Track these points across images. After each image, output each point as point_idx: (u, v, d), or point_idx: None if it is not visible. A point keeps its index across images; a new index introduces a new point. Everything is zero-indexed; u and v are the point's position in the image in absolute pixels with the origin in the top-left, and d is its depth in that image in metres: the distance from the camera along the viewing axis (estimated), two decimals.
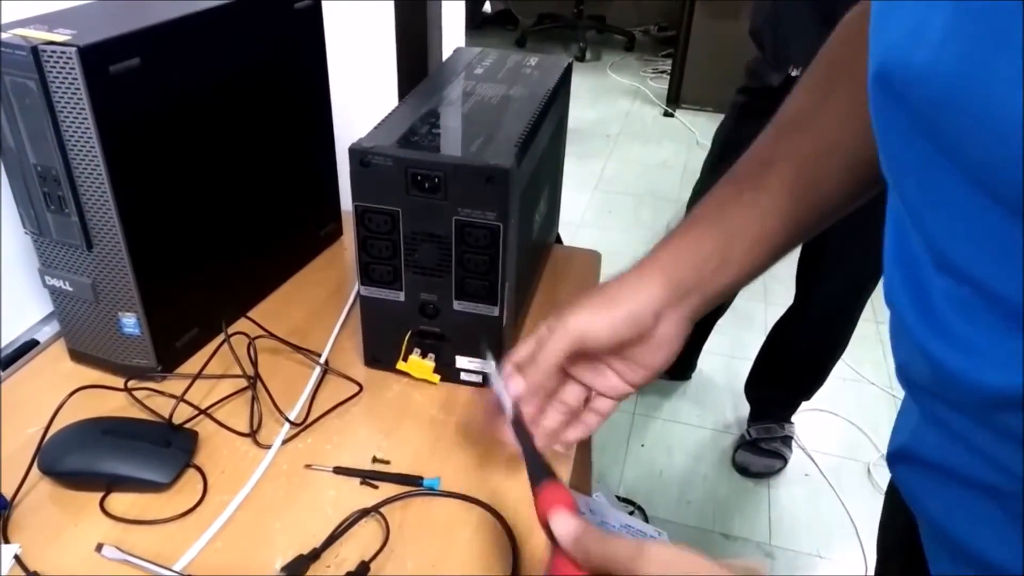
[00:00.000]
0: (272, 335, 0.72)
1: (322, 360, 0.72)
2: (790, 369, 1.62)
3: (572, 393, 0.55)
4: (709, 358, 1.87)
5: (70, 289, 0.66)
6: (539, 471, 0.43)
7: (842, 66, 0.54)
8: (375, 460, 0.62)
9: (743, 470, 1.63)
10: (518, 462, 0.62)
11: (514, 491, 0.60)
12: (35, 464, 0.58)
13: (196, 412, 0.64)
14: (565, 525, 0.40)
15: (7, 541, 0.54)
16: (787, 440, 1.66)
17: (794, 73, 1.29)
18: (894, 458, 0.51)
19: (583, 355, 0.53)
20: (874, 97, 0.37)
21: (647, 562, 0.36)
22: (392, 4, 0.99)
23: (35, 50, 0.54)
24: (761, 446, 1.64)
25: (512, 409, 0.48)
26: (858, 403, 1.82)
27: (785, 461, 1.64)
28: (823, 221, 0.55)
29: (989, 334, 0.32)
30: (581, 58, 3.91)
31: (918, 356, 0.39)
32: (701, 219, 0.55)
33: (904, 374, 0.43)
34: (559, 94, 0.77)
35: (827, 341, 1.53)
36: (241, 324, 0.74)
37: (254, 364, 0.69)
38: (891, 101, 0.35)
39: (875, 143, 0.47)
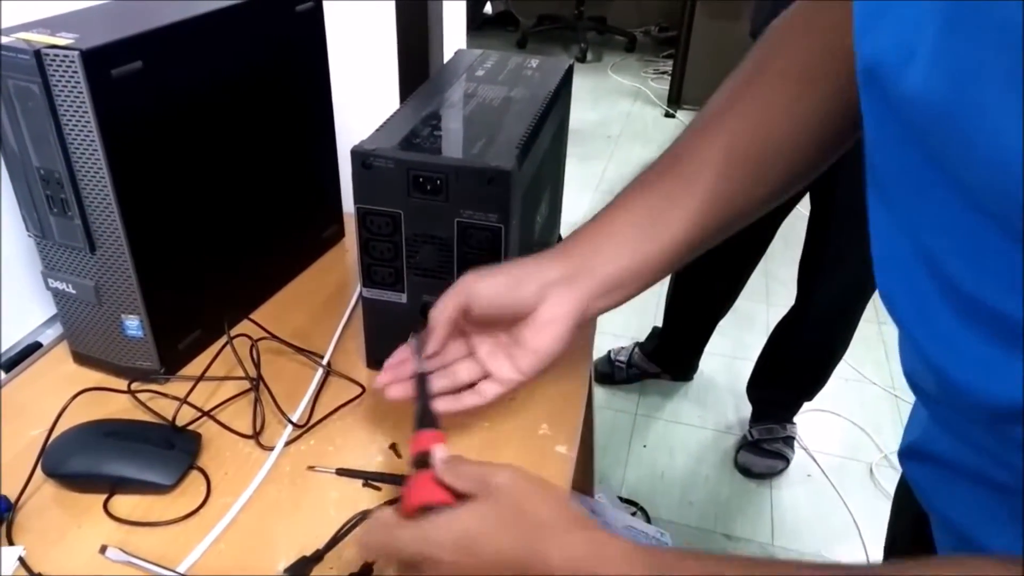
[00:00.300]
0: (275, 337, 0.72)
1: (324, 362, 0.72)
2: (792, 370, 1.62)
3: (466, 369, 0.58)
4: (711, 359, 1.87)
5: (73, 292, 0.66)
6: (427, 420, 0.51)
7: (761, 67, 0.54)
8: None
9: (745, 471, 1.63)
10: (524, 464, 0.62)
11: None
12: (39, 466, 0.58)
13: (199, 414, 0.64)
14: (441, 453, 0.48)
15: (11, 543, 0.54)
16: (789, 441, 1.66)
17: None
18: (905, 454, 0.51)
19: (477, 321, 0.55)
20: (864, 94, 0.38)
21: (496, 470, 0.44)
22: (393, 6, 0.99)
23: (38, 54, 0.54)
24: (763, 447, 1.64)
25: (419, 365, 0.55)
26: (860, 403, 1.82)
27: (787, 462, 1.64)
28: (735, 222, 0.55)
29: (992, 349, 0.32)
30: (582, 59, 3.91)
31: (923, 366, 0.39)
32: (616, 207, 0.56)
33: (911, 380, 0.43)
34: (560, 96, 0.78)
35: (828, 342, 1.53)
36: (244, 326, 0.75)
37: (256, 366, 0.69)
38: (883, 107, 0.36)
39: (790, 147, 0.51)
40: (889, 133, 0.36)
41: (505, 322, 0.56)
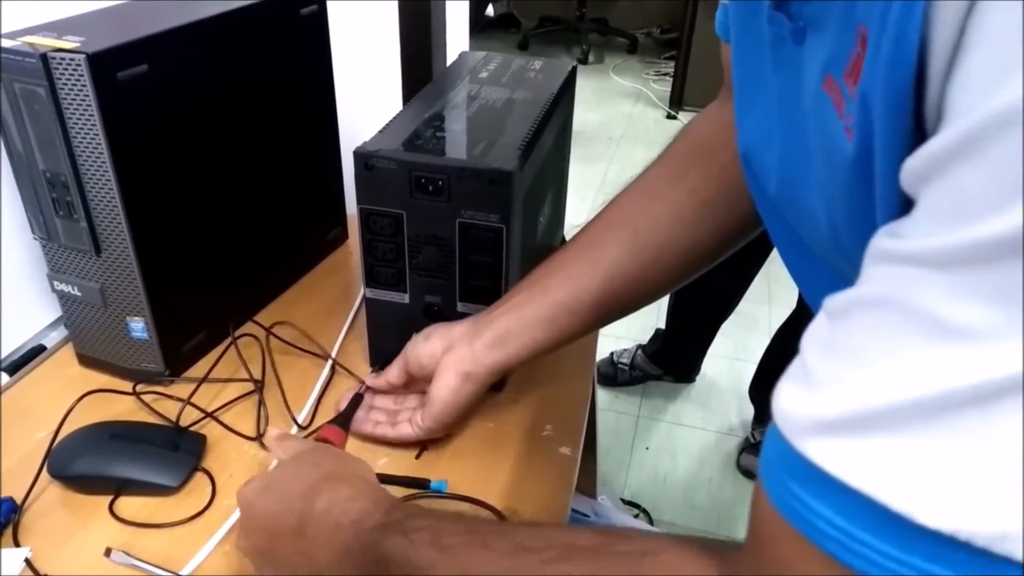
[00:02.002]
0: (279, 338, 0.73)
1: (329, 363, 0.72)
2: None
3: (404, 403, 0.65)
4: (713, 361, 1.87)
5: (78, 294, 0.66)
6: (339, 420, 0.62)
7: (702, 153, 0.60)
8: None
9: (748, 473, 1.63)
10: (526, 466, 0.62)
11: (521, 494, 0.60)
12: (45, 468, 0.58)
13: (204, 416, 0.65)
14: (274, 432, 0.56)
15: (17, 545, 0.54)
16: None
17: None
18: None
19: (421, 379, 0.62)
20: (745, 170, 0.46)
21: (310, 441, 0.57)
22: (396, 8, 0.99)
23: (44, 57, 0.54)
24: None
25: (360, 387, 0.66)
26: None
27: None
28: (627, 300, 0.60)
29: None
30: (584, 61, 3.91)
31: None
32: (534, 272, 0.61)
33: None
34: (563, 98, 0.78)
35: None
36: (248, 328, 0.75)
37: (264, 367, 0.69)
38: (756, 185, 0.45)
39: (689, 251, 0.59)
40: (761, 205, 0.46)
41: (429, 377, 0.61)
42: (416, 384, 0.64)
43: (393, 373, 0.64)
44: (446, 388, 0.58)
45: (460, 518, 0.46)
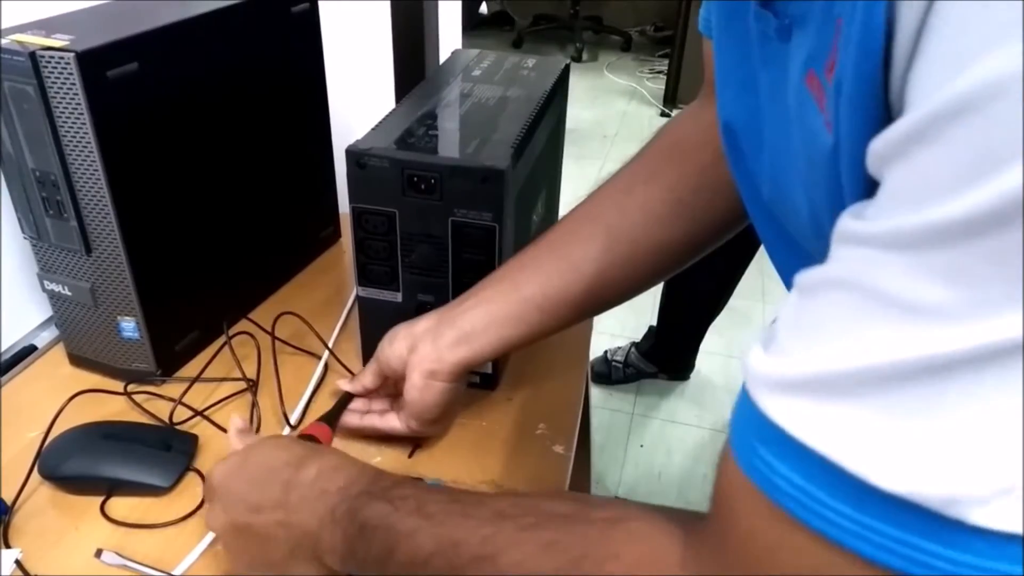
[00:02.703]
0: (274, 336, 0.72)
1: (322, 362, 0.72)
2: None
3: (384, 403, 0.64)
4: (707, 358, 1.87)
5: (69, 294, 0.66)
6: (327, 417, 0.60)
7: (680, 151, 0.60)
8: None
9: None
10: (519, 464, 0.62)
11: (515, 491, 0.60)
12: (35, 469, 0.58)
13: (195, 415, 0.64)
14: (237, 424, 0.56)
15: (8, 546, 0.54)
16: None
17: None
18: None
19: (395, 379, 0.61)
20: (727, 148, 0.46)
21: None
22: (388, 6, 0.99)
23: (33, 55, 0.54)
24: None
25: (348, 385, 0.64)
26: None
27: None
28: (600, 297, 0.59)
29: None
30: (578, 59, 3.91)
31: None
32: (504, 266, 0.60)
33: None
34: (556, 95, 0.78)
35: None
36: (241, 327, 0.75)
37: (259, 366, 0.69)
38: (746, 185, 0.45)
39: (662, 251, 0.59)
40: (750, 205, 0.46)
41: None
42: (398, 385, 0.64)
43: (368, 377, 0.62)
44: (415, 388, 0.58)
45: (444, 490, 0.46)
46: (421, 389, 0.57)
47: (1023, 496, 0.22)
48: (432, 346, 0.57)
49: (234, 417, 0.57)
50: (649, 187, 0.59)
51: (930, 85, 0.23)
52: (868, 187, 0.26)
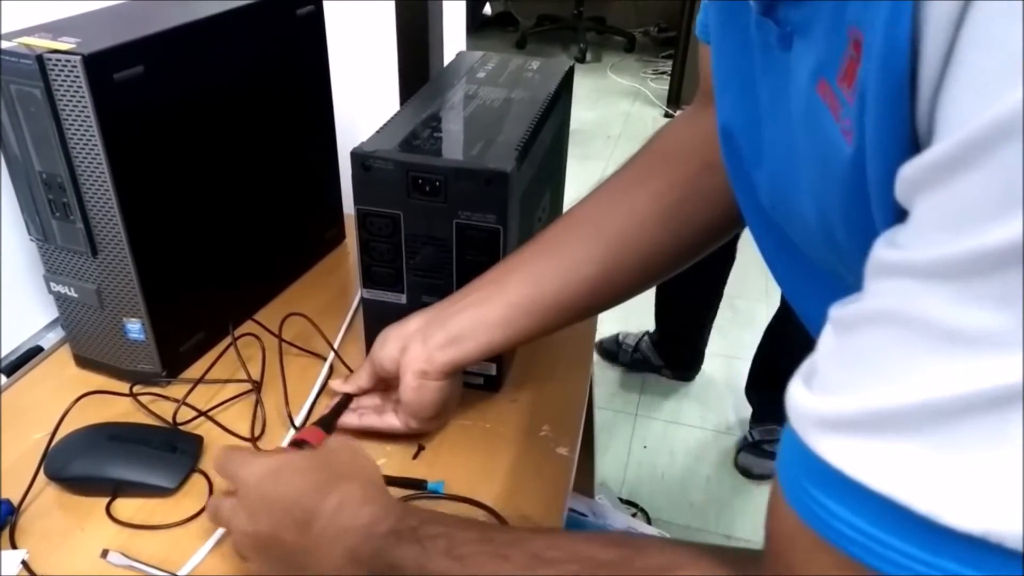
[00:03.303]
0: (280, 338, 0.73)
1: (327, 364, 0.72)
2: (786, 370, 1.61)
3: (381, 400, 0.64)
4: (710, 359, 1.87)
5: (75, 295, 0.66)
6: (323, 422, 0.61)
7: (670, 158, 0.60)
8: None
9: (746, 472, 1.63)
10: (523, 466, 0.63)
11: (518, 494, 0.60)
12: (42, 470, 0.58)
13: (199, 415, 0.65)
14: (307, 435, 0.58)
15: (14, 546, 0.54)
16: None
17: None
18: None
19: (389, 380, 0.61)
20: (725, 153, 0.46)
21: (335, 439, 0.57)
22: (393, 8, 0.99)
23: (40, 58, 0.54)
24: (764, 448, 1.64)
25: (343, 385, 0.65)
26: None
27: None
28: (588, 301, 0.59)
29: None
30: (581, 59, 3.91)
31: None
32: (495, 268, 0.60)
33: None
34: (560, 97, 0.78)
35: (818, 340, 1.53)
36: (246, 328, 0.75)
37: (263, 367, 0.69)
38: (744, 192, 0.45)
39: (668, 242, 0.59)
40: (748, 211, 0.46)
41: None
42: (393, 384, 0.64)
43: (362, 378, 0.63)
44: (409, 388, 0.58)
45: (474, 525, 0.45)
46: (415, 389, 0.58)
47: None
48: (422, 347, 0.57)
49: (308, 432, 0.58)
50: (639, 192, 0.59)
51: (965, 110, 0.22)
52: (899, 209, 0.25)
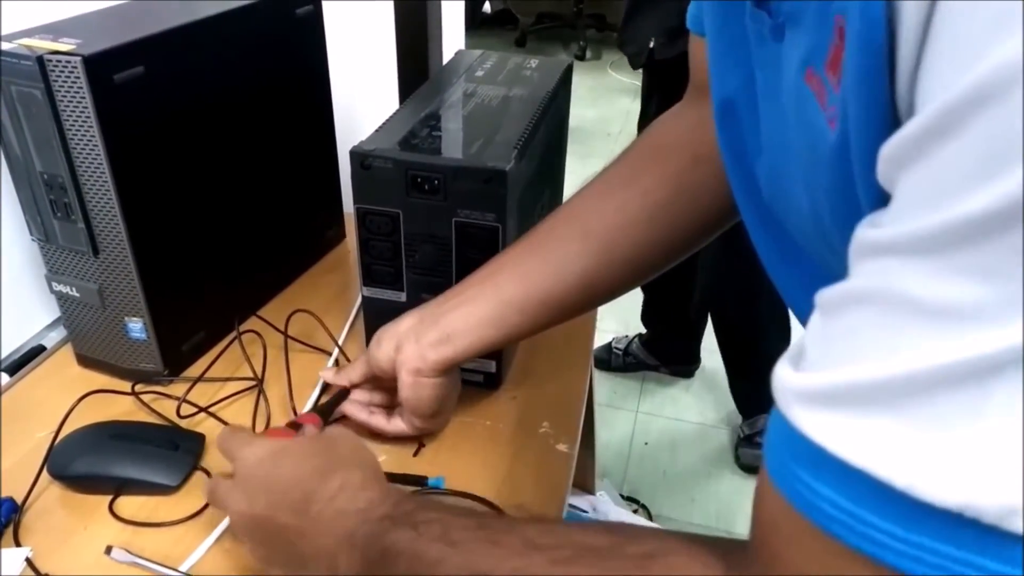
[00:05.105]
0: (285, 334, 0.73)
1: (331, 360, 0.72)
2: (736, 355, 1.64)
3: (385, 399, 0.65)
4: (711, 355, 1.88)
5: (77, 295, 0.66)
6: (320, 409, 0.63)
7: (660, 154, 0.60)
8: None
9: (748, 468, 1.63)
10: (523, 463, 0.63)
11: (518, 491, 0.60)
12: (45, 468, 0.59)
13: (203, 414, 0.65)
14: (304, 419, 0.60)
15: (18, 544, 0.55)
16: None
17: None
18: None
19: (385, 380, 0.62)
20: (723, 134, 0.46)
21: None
22: (392, 7, 0.99)
23: (41, 60, 0.54)
24: (756, 440, 1.64)
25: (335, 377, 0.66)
26: None
27: None
28: (583, 296, 0.59)
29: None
30: (581, 57, 3.91)
31: None
32: (486, 265, 0.60)
33: None
34: (559, 95, 0.78)
35: (747, 319, 1.55)
36: (247, 325, 0.75)
37: (264, 364, 0.69)
38: (742, 186, 0.45)
39: (657, 240, 0.58)
40: (745, 207, 0.46)
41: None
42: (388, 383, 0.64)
43: (355, 372, 0.63)
44: (406, 387, 0.58)
45: (469, 512, 0.45)
46: (411, 387, 0.58)
47: None
48: (415, 345, 0.58)
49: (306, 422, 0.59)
50: (628, 190, 0.59)
51: (942, 79, 0.22)
52: (884, 193, 0.25)
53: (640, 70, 1.58)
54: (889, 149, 0.24)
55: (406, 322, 0.59)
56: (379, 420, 0.63)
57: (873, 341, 0.24)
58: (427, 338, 0.57)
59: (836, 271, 0.27)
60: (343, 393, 0.64)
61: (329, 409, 0.63)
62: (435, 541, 0.41)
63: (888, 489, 0.23)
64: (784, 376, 0.27)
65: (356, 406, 0.64)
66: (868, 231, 0.25)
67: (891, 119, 0.25)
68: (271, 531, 0.47)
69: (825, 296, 0.27)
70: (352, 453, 0.50)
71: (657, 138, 0.62)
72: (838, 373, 0.25)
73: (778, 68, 0.35)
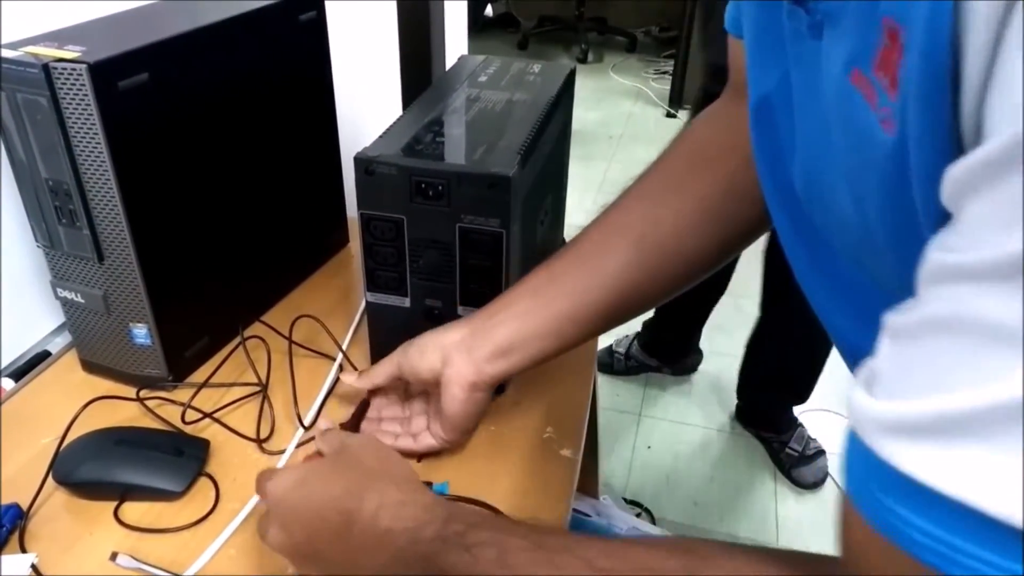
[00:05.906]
0: (290, 339, 0.73)
1: (335, 365, 0.72)
2: (776, 384, 1.64)
3: (411, 408, 0.65)
4: (715, 358, 1.87)
5: (81, 301, 0.67)
6: (348, 427, 0.62)
7: (707, 157, 0.59)
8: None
9: (804, 484, 1.61)
10: (527, 468, 0.63)
11: (522, 496, 0.60)
12: (50, 474, 0.59)
13: (208, 420, 0.65)
14: (323, 424, 0.61)
15: (24, 550, 0.55)
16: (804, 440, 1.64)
17: None
18: None
19: (415, 388, 0.64)
20: (757, 133, 0.45)
21: (352, 436, 0.56)
22: (395, 10, 0.99)
23: (46, 67, 0.55)
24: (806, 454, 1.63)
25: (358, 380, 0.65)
26: None
27: (823, 452, 1.62)
28: (633, 303, 0.59)
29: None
30: (583, 60, 3.92)
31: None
32: (524, 278, 0.60)
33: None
34: (562, 100, 0.78)
35: (807, 352, 1.54)
36: (251, 331, 0.75)
37: (268, 369, 0.69)
38: (775, 190, 0.45)
39: (690, 256, 0.59)
40: (776, 211, 0.46)
41: (433, 388, 0.61)
42: (411, 388, 0.65)
43: (379, 376, 0.63)
44: (456, 401, 0.58)
45: (519, 530, 0.43)
46: (463, 401, 0.58)
47: None
48: (468, 358, 0.57)
49: (320, 422, 0.61)
50: (681, 196, 0.58)
51: (1015, 104, 0.22)
52: (943, 209, 0.25)
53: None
54: (958, 172, 0.24)
55: (453, 334, 0.59)
56: (406, 442, 0.62)
57: (957, 369, 0.24)
58: (480, 352, 0.57)
59: (870, 277, 0.27)
60: (364, 406, 0.64)
61: (356, 425, 0.63)
62: (492, 565, 0.40)
63: (983, 517, 0.23)
64: (864, 404, 0.27)
65: (382, 435, 0.63)
66: (941, 255, 0.25)
67: (954, 137, 0.25)
68: (319, 558, 0.47)
69: (899, 322, 0.27)
70: (380, 464, 0.50)
71: (699, 141, 0.61)
72: (924, 403, 0.24)
73: (817, 66, 0.35)
